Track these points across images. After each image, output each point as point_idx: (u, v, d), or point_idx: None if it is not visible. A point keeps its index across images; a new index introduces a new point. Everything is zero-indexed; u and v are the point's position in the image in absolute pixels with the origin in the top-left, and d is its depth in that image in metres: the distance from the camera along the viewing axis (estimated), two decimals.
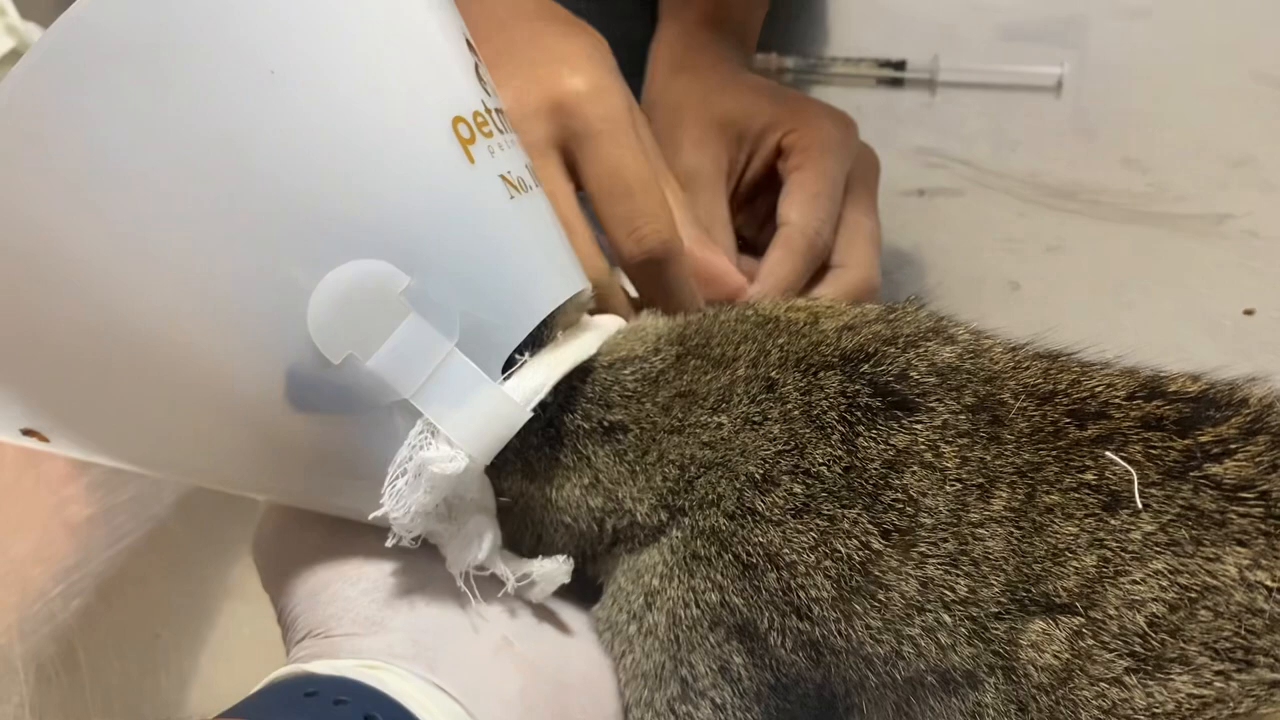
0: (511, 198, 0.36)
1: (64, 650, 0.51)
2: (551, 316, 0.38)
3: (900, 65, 0.88)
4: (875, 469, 0.35)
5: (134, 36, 0.30)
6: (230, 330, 0.33)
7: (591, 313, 0.43)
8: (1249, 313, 0.64)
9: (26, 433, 0.37)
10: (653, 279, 0.49)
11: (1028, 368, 0.38)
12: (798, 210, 0.55)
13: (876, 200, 0.59)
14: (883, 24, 0.97)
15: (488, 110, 0.37)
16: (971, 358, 0.38)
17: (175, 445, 0.37)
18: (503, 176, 0.36)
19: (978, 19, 0.96)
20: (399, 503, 0.33)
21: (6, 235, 0.32)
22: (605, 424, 0.38)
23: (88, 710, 0.49)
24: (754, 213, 0.61)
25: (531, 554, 0.39)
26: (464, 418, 0.34)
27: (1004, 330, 0.40)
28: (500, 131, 0.37)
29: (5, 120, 0.31)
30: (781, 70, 0.89)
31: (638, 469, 0.38)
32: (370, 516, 0.34)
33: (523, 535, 0.39)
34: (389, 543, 0.34)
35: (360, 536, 0.38)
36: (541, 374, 0.36)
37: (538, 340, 0.37)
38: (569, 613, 0.40)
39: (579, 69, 0.50)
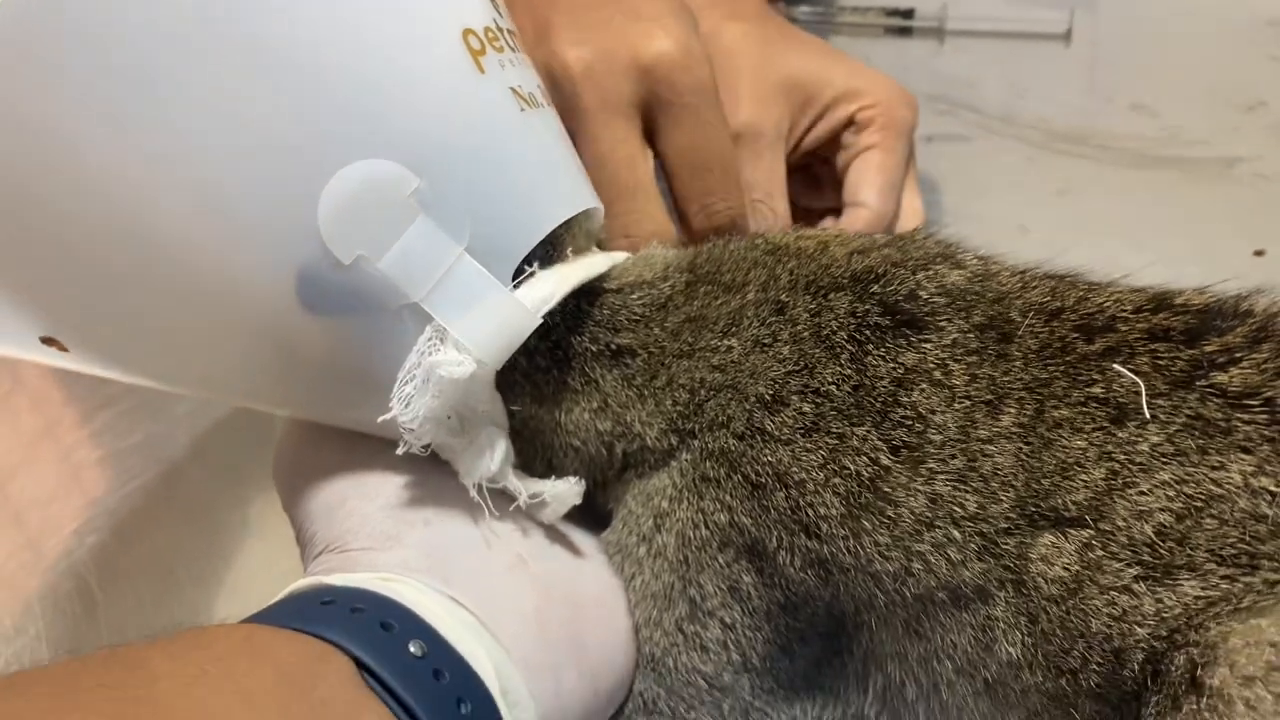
0: (522, 110, 0.36)
1: (80, 586, 0.51)
2: (562, 240, 0.37)
3: (909, 14, 0.88)
4: (884, 387, 0.35)
5: None
6: (243, 229, 0.32)
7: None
8: (1259, 254, 0.63)
9: (46, 341, 0.37)
10: None
11: (1035, 287, 0.38)
12: (877, 196, 0.56)
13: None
14: None
15: (499, 28, 0.37)
16: (980, 280, 0.38)
17: (190, 352, 0.37)
18: (513, 89, 0.36)
19: None
20: (407, 407, 0.33)
21: (19, 141, 0.32)
22: (613, 347, 0.38)
23: (102, 642, 0.49)
24: (807, 179, 0.60)
25: (548, 479, 0.39)
26: (473, 322, 0.33)
27: None
28: (511, 49, 0.37)
29: (18, 26, 0.31)
30: (791, 20, 0.88)
31: (646, 393, 0.38)
32: (379, 420, 0.33)
33: (533, 460, 0.39)
34: (399, 450, 0.34)
35: (377, 454, 0.38)
36: (550, 284, 0.36)
37: (547, 261, 0.37)
38: (580, 536, 0.40)
39: (670, 31, 0.48)
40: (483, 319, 0.33)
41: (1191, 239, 0.65)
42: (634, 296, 0.39)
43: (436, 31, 0.34)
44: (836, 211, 0.58)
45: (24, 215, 0.33)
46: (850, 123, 0.58)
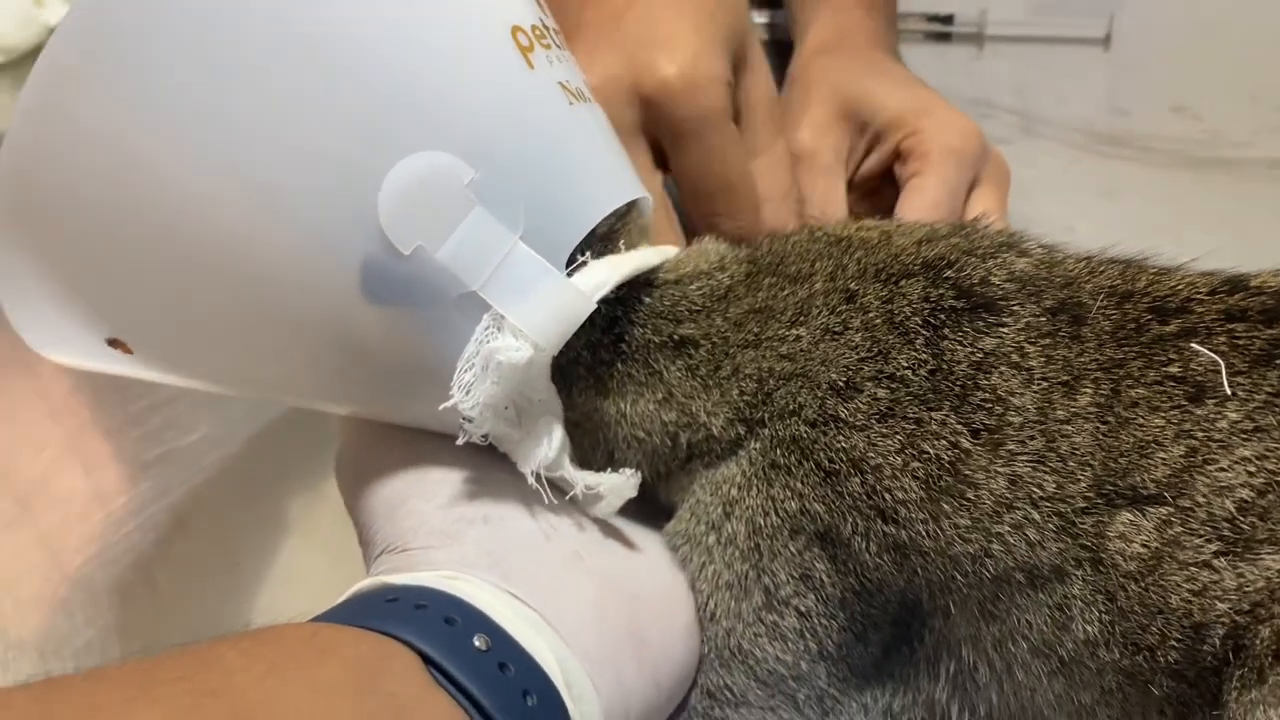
0: (570, 103, 0.36)
1: (145, 578, 0.52)
2: (614, 234, 0.37)
3: (948, 19, 0.87)
4: (963, 370, 0.35)
5: None
6: (306, 227, 0.33)
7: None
8: None
9: (112, 343, 0.37)
10: None
11: (1103, 271, 0.37)
12: (914, 218, 0.53)
13: (1002, 208, 0.55)
14: None
15: (545, 26, 0.37)
16: (1046, 266, 0.37)
17: (253, 352, 0.37)
18: (561, 84, 0.36)
19: None
20: (467, 394, 0.33)
21: (84, 150, 0.33)
22: (675, 338, 0.38)
23: (170, 634, 0.50)
24: (870, 207, 0.59)
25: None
26: (530, 308, 0.33)
27: None
28: (558, 46, 0.38)
29: (78, 37, 0.31)
30: None
31: (710, 383, 0.37)
32: (440, 408, 0.34)
33: (595, 453, 0.39)
34: (459, 440, 0.34)
35: (435, 454, 0.38)
36: (604, 271, 0.36)
37: (600, 252, 0.37)
38: (636, 531, 0.39)
39: (676, 55, 0.47)
40: (539, 304, 0.34)
41: (1238, 239, 0.64)
42: (693, 287, 0.39)
43: (487, 30, 0.35)
44: None
45: (88, 220, 0.34)
46: (898, 154, 0.56)
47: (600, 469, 0.39)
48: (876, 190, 0.58)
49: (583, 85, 0.38)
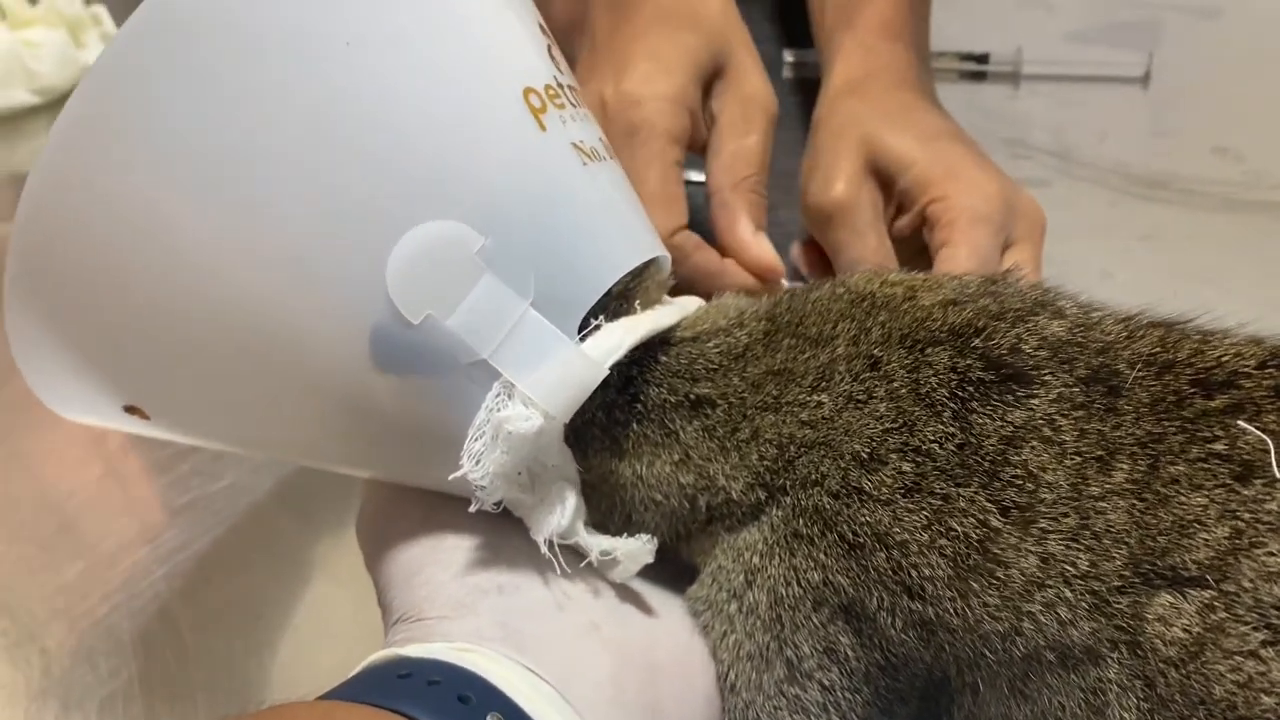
0: (584, 165, 0.36)
1: (169, 628, 0.51)
2: (630, 293, 0.36)
3: (983, 58, 0.86)
4: (992, 445, 0.33)
5: (213, 16, 0.31)
6: (319, 294, 0.32)
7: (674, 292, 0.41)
8: None
9: (130, 410, 0.37)
10: None
11: (1142, 337, 0.35)
12: None
13: (1038, 261, 0.53)
14: (960, 21, 0.94)
15: (559, 85, 0.37)
16: (1082, 330, 0.35)
17: (266, 417, 0.37)
18: (574, 144, 0.36)
19: (1051, 23, 0.93)
20: (478, 464, 0.32)
21: (96, 215, 0.32)
22: (691, 397, 0.37)
23: (193, 686, 0.49)
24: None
25: (621, 535, 0.37)
26: (540, 376, 0.33)
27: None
28: (573, 105, 0.37)
29: (94, 103, 0.31)
30: None
31: (728, 445, 0.36)
32: (450, 478, 0.33)
33: (612, 515, 0.38)
34: (472, 508, 0.33)
35: (452, 521, 0.37)
36: (617, 336, 0.35)
37: (616, 314, 0.36)
38: (653, 594, 0.38)
39: (611, 81, 0.50)
40: (549, 373, 0.33)
41: None
42: (710, 345, 0.37)
43: (499, 94, 0.34)
44: None
45: (105, 289, 0.34)
46: (924, 219, 0.54)
47: (618, 531, 0.37)
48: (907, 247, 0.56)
49: (598, 143, 0.38)
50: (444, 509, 0.37)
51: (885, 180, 0.55)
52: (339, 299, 0.32)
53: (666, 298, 0.40)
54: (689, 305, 0.40)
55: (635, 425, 0.37)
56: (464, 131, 0.33)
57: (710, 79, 0.55)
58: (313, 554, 0.55)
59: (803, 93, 0.82)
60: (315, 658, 0.50)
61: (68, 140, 0.32)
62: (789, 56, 0.85)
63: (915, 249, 0.56)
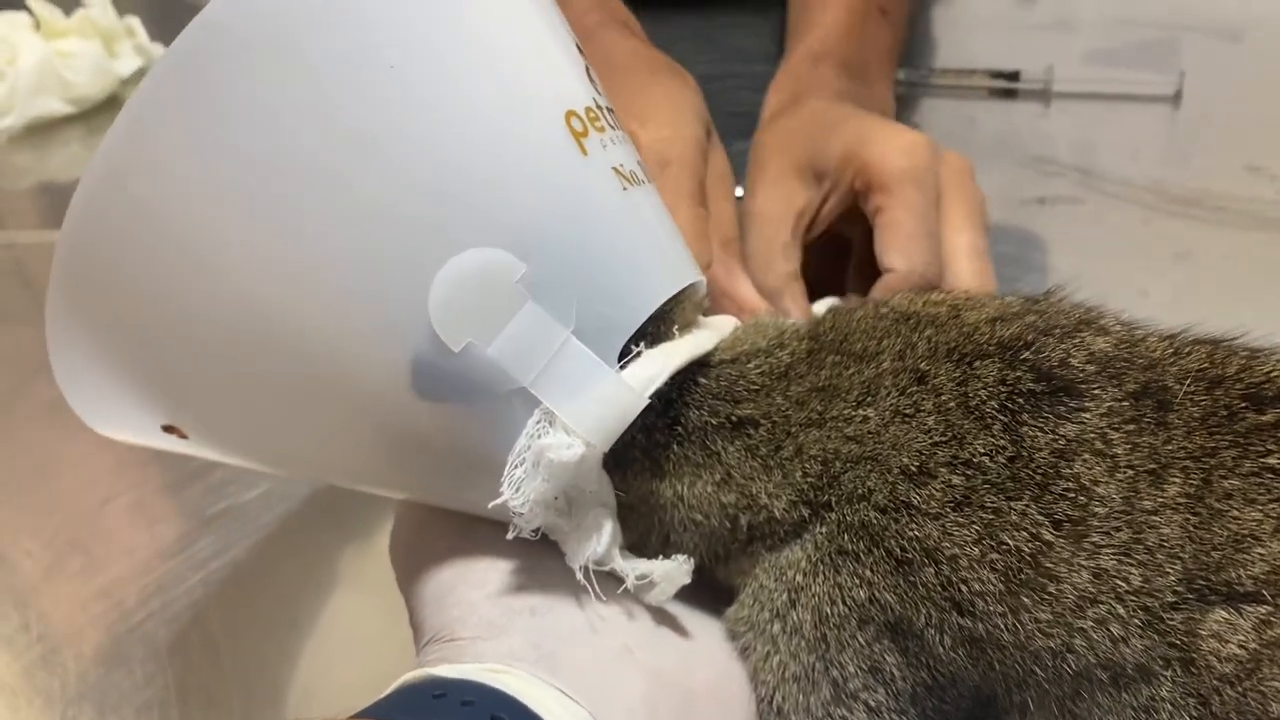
0: (624, 189, 0.35)
1: (204, 635, 0.51)
2: (668, 316, 0.36)
3: (1014, 76, 0.84)
4: (1044, 458, 0.32)
5: (257, 40, 0.30)
6: (360, 321, 0.32)
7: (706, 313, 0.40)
8: None
9: (168, 429, 0.37)
10: None
11: (1189, 353, 0.34)
12: (899, 256, 0.50)
13: (974, 206, 0.52)
14: (988, 40, 0.93)
15: (599, 107, 0.36)
16: (1127, 347, 0.35)
17: (306, 440, 0.36)
18: (615, 169, 0.35)
19: (1074, 43, 0.91)
20: (517, 491, 0.32)
21: (141, 237, 0.32)
22: (733, 419, 0.36)
23: (229, 694, 0.49)
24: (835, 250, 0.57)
25: (658, 556, 0.36)
26: (581, 404, 0.32)
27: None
28: (612, 128, 0.36)
29: (139, 125, 0.31)
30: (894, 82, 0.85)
31: (772, 464, 0.35)
32: (489, 505, 0.32)
33: (650, 536, 0.37)
34: (509, 535, 0.33)
35: (486, 542, 0.36)
36: (658, 363, 0.34)
37: (655, 338, 0.35)
38: (690, 617, 0.37)
39: (649, 116, 0.50)
40: (590, 401, 0.32)
41: None
42: (750, 365, 0.37)
43: (541, 118, 0.34)
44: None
45: (148, 306, 0.33)
46: (855, 194, 0.53)
47: (656, 552, 0.37)
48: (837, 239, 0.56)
49: (636, 167, 0.37)
50: (478, 530, 0.37)
51: (815, 173, 0.54)
52: (381, 325, 0.32)
53: (701, 318, 0.39)
54: (725, 326, 0.39)
55: (676, 447, 0.36)
56: (507, 161, 0.32)
57: (708, 134, 0.56)
58: (347, 564, 0.54)
59: None
60: (348, 666, 0.50)
61: (116, 154, 0.31)
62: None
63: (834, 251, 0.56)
